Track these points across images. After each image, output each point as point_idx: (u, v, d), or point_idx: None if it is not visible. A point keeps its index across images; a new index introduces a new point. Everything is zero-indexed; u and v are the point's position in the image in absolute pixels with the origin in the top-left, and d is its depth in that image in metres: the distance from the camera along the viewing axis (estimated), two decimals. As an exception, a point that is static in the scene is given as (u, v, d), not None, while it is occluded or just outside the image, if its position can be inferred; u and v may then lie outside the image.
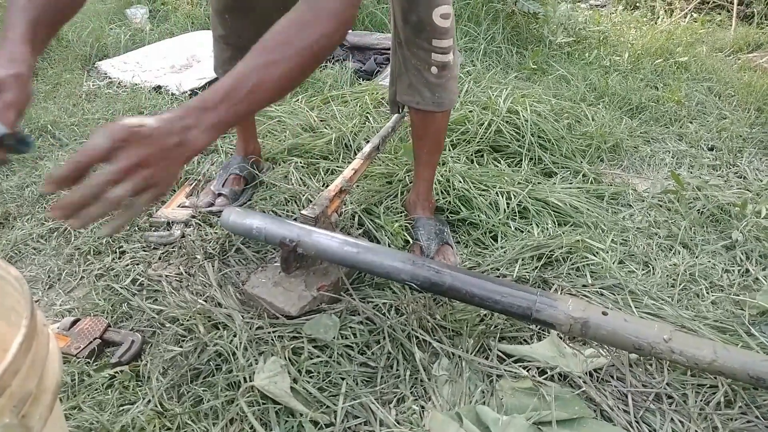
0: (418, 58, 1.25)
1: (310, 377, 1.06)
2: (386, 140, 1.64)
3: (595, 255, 1.39)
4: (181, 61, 2.85)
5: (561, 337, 1.15)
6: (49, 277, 1.42)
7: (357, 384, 1.06)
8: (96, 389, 1.07)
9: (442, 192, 1.58)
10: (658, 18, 3.74)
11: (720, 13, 3.86)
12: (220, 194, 1.60)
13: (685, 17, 3.75)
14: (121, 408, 1.03)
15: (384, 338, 1.15)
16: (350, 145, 1.84)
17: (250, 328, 1.16)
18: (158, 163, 0.69)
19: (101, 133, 0.67)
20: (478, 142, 1.83)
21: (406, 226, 1.46)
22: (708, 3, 3.92)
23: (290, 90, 0.86)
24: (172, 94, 2.43)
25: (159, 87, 2.52)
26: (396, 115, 1.72)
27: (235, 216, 1.28)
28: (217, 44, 1.53)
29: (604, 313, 1.01)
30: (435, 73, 1.26)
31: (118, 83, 2.62)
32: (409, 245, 1.43)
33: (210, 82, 2.52)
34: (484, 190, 1.60)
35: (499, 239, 1.47)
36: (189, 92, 2.44)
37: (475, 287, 1.07)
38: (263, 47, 0.81)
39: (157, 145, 0.69)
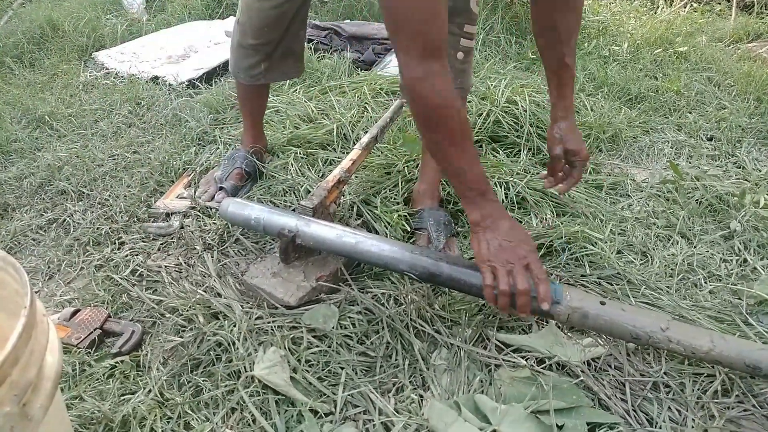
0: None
1: (310, 367, 1.07)
2: (385, 130, 1.64)
3: (593, 245, 1.39)
4: (179, 52, 2.84)
5: (559, 327, 1.16)
6: (48, 267, 1.42)
7: (356, 373, 1.07)
8: (97, 379, 1.07)
9: (440, 182, 1.58)
10: (658, 8, 3.72)
11: (720, 3, 3.84)
12: (221, 188, 1.59)
13: (685, 7, 3.73)
14: (122, 398, 1.03)
15: (383, 328, 1.15)
16: (349, 136, 1.84)
17: (250, 318, 1.16)
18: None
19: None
20: (476, 133, 1.82)
21: (405, 216, 1.46)
22: (708, -8, 3.90)
23: None
24: (170, 85, 2.42)
25: (156, 77, 2.51)
26: (394, 104, 1.72)
27: (233, 207, 1.28)
28: (243, 51, 1.49)
29: (602, 303, 1.01)
30: (460, 59, 1.28)
31: (115, 74, 2.61)
32: (413, 237, 1.43)
33: (207, 73, 2.51)
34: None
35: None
36: (186, 82, 2.42)
37: (474, 277, 1.07)
38: None
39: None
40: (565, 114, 1.20)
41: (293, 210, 1.33)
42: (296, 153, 1.73)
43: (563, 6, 1.11)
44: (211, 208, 1.54)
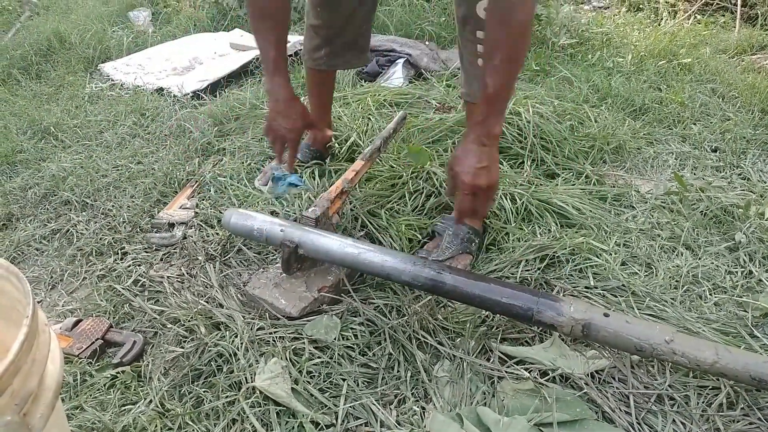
0: (468, 50, 1.31)
1: (311, 378, 1.06)
2: (388, 141, 1.65)
3: (598, 257, 1.38)
4: (184, 63, 2.86)
5: (563, 339, 1.15)
6: (51, 277, 1.42)
7: (358, 385, 1.06)
8: (98, 389, 1.07)
9: None
10: (662, 19, 3.73)
11: (724, 15, 3.84)
12: (273, 173, 1.70)
13: (689, 19, 3.74)
14: (123, 408, 1.03)
15: (385, 339, 1.14)
16: (353, 147, 1.84)
17: (251, 329, 1.16)
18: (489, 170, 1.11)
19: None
20: (480, 144, 1.82)
21: (416, 225, 1.45)
22: (711, 4, 3.91)
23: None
24: (174, 96, 2.44)
25: (161, 89, 2.53)
26: (398, 115, 1.73)
27: (236, 217, 1.28)
28: (307, 32, 1.62)
29: (606, 315, 1.00)
30: (480, 65, 1.27)
31: (121, 85, 2.63)
32: (419, 246, 1.43)
33: (211, 85, 2.52)
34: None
35: (503, 241, 1.47)
36: (191, 94, 2.44)
37: (477, 288, 1.07)
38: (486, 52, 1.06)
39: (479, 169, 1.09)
40: (466, 134, 1.17)
41: (295, 220, 1.33)
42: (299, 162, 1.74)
43: (492, 18, 1.05)
44: (262, 192, 1.66)
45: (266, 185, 1.71)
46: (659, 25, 3.63)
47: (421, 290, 1.13)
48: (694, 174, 1.89)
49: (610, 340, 1.01)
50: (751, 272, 1.40)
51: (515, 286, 1.09)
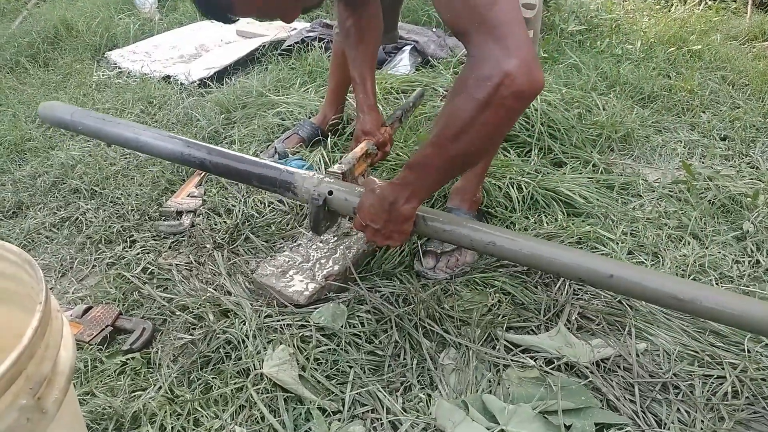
0: None
1: (318, 365, 1.08)
2: (408, 114, 1.69)
3: (604, 246, 1.38)
4: (190, 51, 2.86)
5: (568, 327, 1.15)
6: (61, 265, 1.44)
7: (364, 372, 1.07)
8: (108, 375, 1.09)
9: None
10: (672, 5, 3.68)
11: (735, 1, 3.79)
12: (274, 148, 1.79)
13: (699, 5, 3.69)
14: (133, 394, 1.05)
15: (391, 327, 1.15)
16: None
17: (259, 317, 1.17)
18: (386, 225, 1.01)
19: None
20: (487, 132, 1.81)
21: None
22: (722, -10, 3.85)
23: (489, 144, 0.91)
24: (181, 84, 2.44)
25: (168, 77, 2.53)
26: (416, 92, 1.78)
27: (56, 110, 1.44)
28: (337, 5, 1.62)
29: (330, 193, 1.12)
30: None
31: (128, 73, 2.63)
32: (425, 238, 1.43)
33: (218, 72, 2.52)
34: (496, 181, 1.59)
35: (510, 229, 1.46)
36: (197, 82, 2.44)
37: (233, 162, 1.23)
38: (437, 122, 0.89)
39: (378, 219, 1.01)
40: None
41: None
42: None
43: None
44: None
45: (271, 157, 1.75)
46: (669, 11, 3.58)
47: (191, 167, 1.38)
48: (703, 162, 1.88)
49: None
50: (758, 262, 1.40)
51: (268, 164, 1.22)
